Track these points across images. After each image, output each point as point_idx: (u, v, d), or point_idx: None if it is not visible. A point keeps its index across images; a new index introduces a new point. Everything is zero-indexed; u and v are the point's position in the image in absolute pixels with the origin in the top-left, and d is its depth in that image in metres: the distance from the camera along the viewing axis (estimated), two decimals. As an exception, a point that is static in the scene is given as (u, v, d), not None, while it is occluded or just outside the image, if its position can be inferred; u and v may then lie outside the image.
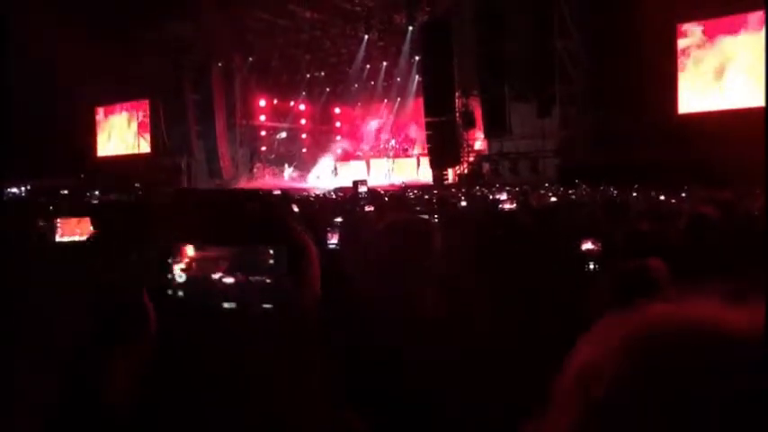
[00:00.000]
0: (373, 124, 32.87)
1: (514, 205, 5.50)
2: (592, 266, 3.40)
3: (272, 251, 1.19)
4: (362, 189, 11.42)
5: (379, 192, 13.53)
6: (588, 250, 3.48)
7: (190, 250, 1.23)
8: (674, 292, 0.62)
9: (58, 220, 3.53)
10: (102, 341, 1.27)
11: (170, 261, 1.23)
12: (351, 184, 15.87)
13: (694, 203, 7.26)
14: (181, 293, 1.23)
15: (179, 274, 1.23)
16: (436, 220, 3.97)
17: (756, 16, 19.68)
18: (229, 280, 1.20)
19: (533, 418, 0.63)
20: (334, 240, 3.67)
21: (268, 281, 1.19)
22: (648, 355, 0.56)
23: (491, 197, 10.69)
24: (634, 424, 0.54)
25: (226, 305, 1.21)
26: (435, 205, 7.46)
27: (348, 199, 10.73)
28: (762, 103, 19.41)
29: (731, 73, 20.46)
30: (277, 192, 13.87)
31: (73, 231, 3.48)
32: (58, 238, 3.51)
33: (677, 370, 0.54)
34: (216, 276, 1.21)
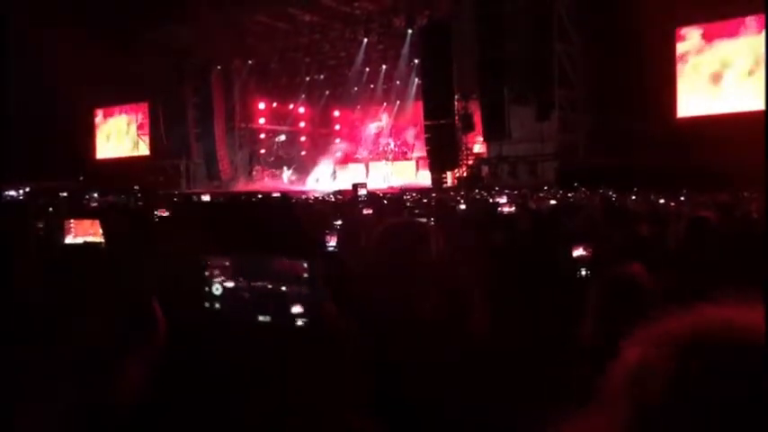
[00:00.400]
0: (372, 127, 32.86)
1: (513, 209, 5.49)
2: (584, 272, 3.40)
3: (305, 264, 1.21)
4: (362, 192, 11.43)
5: (378, 195, 13.53)
6: (580, 256, 3.47)
7: (226, 263, 1.24)
8: (660, 295, 0.64)
9: (72, 222, 3.51)
10: (114, 344, 1.27)
11: (207, 274, 1.24)
12: (350, 187, 15.87)
13: (694, 207, 7.27)
14: (218, 306, 1.24)
15: (216, 287, 1.24)
16: (433, 223, 3.96)
17: (754, 20, 19.73)
18: (264, 293, 1.21)
19: (569, 419, 0.64)
20: (332, 243, 3.66)
21: (302, 294, 1.20)
22: (701, 356, 0.58)
23: (491, 200, 10.70)
24: (689, 423, 0.56)
25: (261, 318, 1.23)
26: (434, 208, 7.45)
27: (347, 202, 10.74)
28: (760, 107, 19.44)
29: (729, 76, 20.51)
30: (276, 194, 13.87)
31: (86, 232, 3.46)
32: (68, 240, 3.50)
33: (728, 371, 0.56)
34: (251, 289, 1.22)
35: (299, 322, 1.20)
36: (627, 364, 0.62)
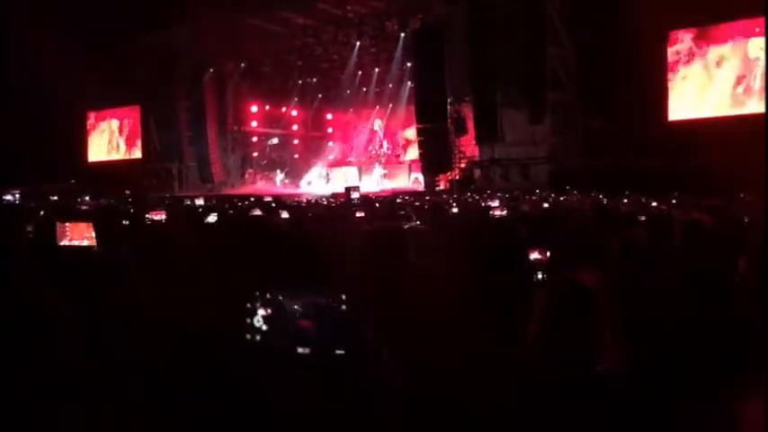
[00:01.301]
0: (365, 130, 32.89)
1: (505, 212, 5.50)
2: (540, 276, 3.40)
3: (344, 296, 1.22)
4: (355, 195, 11.43)
5: (372, 198, 13.54)
6: (536, 260, 3.48)
7: (267, 296, 1.24)
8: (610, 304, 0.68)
9: (67, 225, 3.49)
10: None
11: (249, 306, 1.24)
12: (343, 190, 15.87)
13: (686, 210, 7.29)
14: (258, 338, 1.24)
15: (257, 319, 1.24)
16: (419, 224, 3.96)
17: (745, 24, 19.84)
18: (304, 325, 1.22)
19: None
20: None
21: (340, 325, 1.20)
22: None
23: (483, 204, 10.71)
24: None
25: (300, 350, 1.23)
26: (426, 212, 7.45)
27: (341, 205, 10.75)
28: (751, 110, 19.58)
29: (721, 80, 20.61)
30: (268, 198, 13.83)
31: (81, 236, 3.45)
32: (64, 242, 3.48)
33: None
34: (290, 321, 1.23)
35: (338, 353, 1.21)
36: None
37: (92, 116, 33.34)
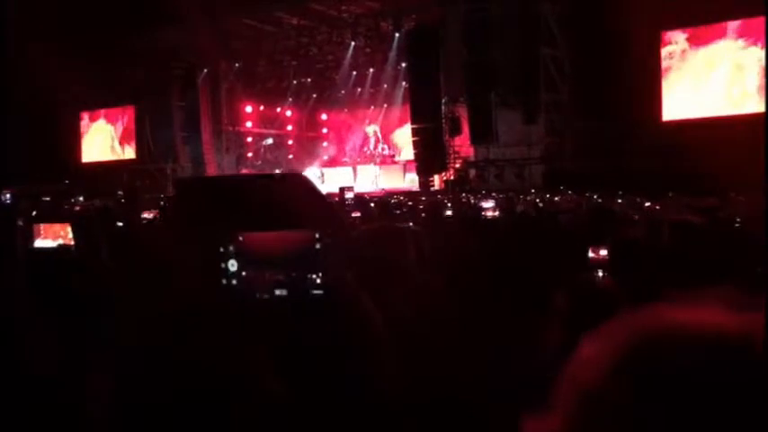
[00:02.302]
0: (360, 131, 32.89)
1: (497, 213, 5.50)
2: (600, 274, 3.38)
3: (317, 235, 1.19)
4: (349, 195, 11.40)
5: (366, 198, 13.50)
6: (595, 259, 3.43)
7: (240, 239, 1.22)
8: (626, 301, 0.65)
9: (42, 225, 3.47)
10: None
11: (222, 251, 1.22)
12: (338, 191, 15.82)
13: (678, 210, 7.31)
14: (234, 282, 1.22)
15: (232, 263, 1.22)
16: (412, 226, 3.94)
17: (737, 24, 19.90)
18: (279, 267, 1.20)
19: (535, 412, 0.66)
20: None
21: (316, 265, 1.18)
22: (643, 351, 0.58)
23: (478, 204, 10.70)
24: (625, 416, 0.55)
25: (277, 292, 1.20)
26: (419, 212, 7.44)
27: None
28: (744, 111, 19.64)
29: (714, 80, 20.66)
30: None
31: (56, 236, 3.42)
32: (38, 244, 3.45)
33: (669, 370, 0.56)
34: (266, 264, 1.20)
35: (315, 293, 1.18)
36: (577, 357, 0.63)
37: (85, 116, 33.20)
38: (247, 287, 1.22)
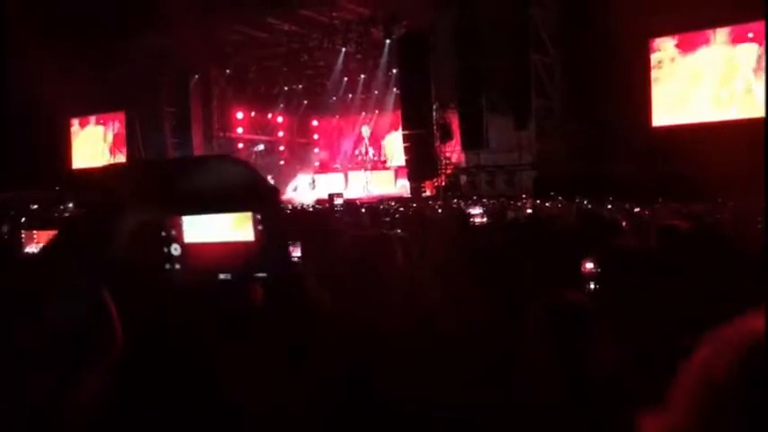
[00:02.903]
0: (351, 137, 32.91)
1: (485, 219, 5.50)
2: (592, 287, 3.39)
3: (258, 216, 1.18)
4: (338, 201, 11.37)
5: (356, 204, 13.49)
6: (588, 271, 3.44)
7: (181, 222, 1.21)
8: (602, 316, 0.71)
9: (35, 232, 3.46)
10: (60, 361, 1.21)
11: (164, 234, 1.21)
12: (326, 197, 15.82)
13: (665, 215, 7.33)
14: (178, 266, 1.21)
15: (175, 247, 1.21)
16: (399, 233, 3.94)
17: (726, 31, 20.04)
18: (223, 251, 1.18)
19: (653, 411, 0.74)
20: (296, 253, 3.60)
21: (259, 248, 1.17)
22: (752, 354, 0.67)
23: (466, 211, 10.72)
24: (751, 405, 0.65)
25: (221, 276, 1.20)
26: (408, 219, 7.43)
27: (323, 212, 10.69)
28: (733, 116, 19.78)
29: (703, 86, 20.78)
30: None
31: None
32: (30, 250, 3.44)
33: None
34: (209, 248, 1.19)
35: (258, 275, 1.17)
36: (699, 357, 0.71)
37: (75, 122, 33.08)
38: (190, 271, 1.21)
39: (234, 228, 1.19)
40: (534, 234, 5.30)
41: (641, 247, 3.84)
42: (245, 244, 1.17)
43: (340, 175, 31.63)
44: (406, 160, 25.30)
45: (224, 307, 1.19)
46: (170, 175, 1.12)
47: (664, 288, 2.99)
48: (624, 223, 5.71)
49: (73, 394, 1.18)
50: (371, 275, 2.07)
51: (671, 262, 3.72)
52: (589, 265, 3.33)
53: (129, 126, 30.88)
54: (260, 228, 1.17)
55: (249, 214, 1.18)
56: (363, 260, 2.10)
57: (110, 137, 32.05)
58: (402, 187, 27.58)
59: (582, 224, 6.20)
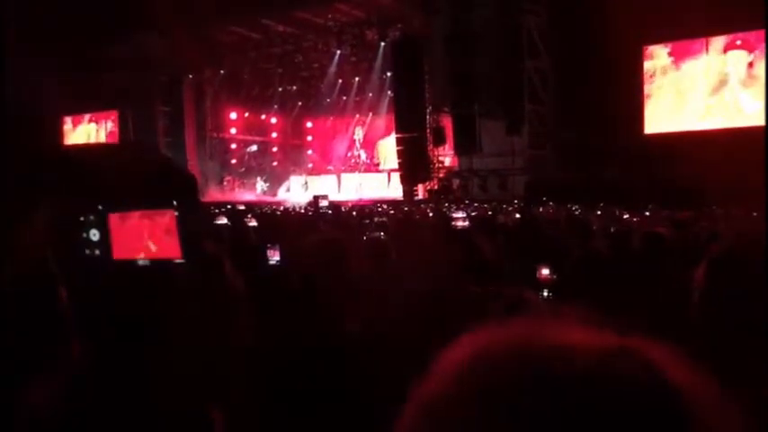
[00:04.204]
0: (344, 139, 32.91)
1: (467, 223, 5.51)
2: (546, 294, 3.38)
3: (176, 202, 1.18)
4: (323, 204, 11.33)
5: (341, 207, 13.44)
6: (544, 277, 3.43)
7: (99, 207, 1.21)
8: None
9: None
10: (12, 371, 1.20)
11: (83, 219, 1.21)
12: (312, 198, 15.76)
13: (651, 222, 7.33)
14: (98, 252, 1.21)
15: (93, 232, 1.21)
16: (380, 235, 3.93)
17: (719, 39, 20.13)
18: (142, 236, 1.19)
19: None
20: (275, 258, 3.59)
21: (180, 236, 1.18)
22: (474, 374, 0.53)
23: (450, 215, 10.69)
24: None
25: (140, 262, 1.20)
26: (393, 224, 7.41)
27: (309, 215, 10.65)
28: (726, 125, 19.87)
29: (696, 94, 20.87)
30: (242, 207, 13.68)
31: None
32: None
33: (504, 385, 0.51)
34: (128, 234, 1.19)
35: (176, 261, 1.18)
36: (416, 395, 0.57)
37: (68, 121, 32.98)
38: (109, 256, 1.21)
39: (152, 215, 1.19)
40: (518, 238, 5.31)
41: (607, 251, 3.85)
42: (164, 230, 1.18)
43: (333, 177, 31.62)
44: (399, 163, 25.31)
45: (143, 292, 1.18)
46: (89, 167, 1.11)
47: (621, 293, 2.99)
48: (613, 229, 5.71)
49: (29, 395, 1.16)
50: (327, 278, 2.07)
51: (649, 266, 3.72)
52: (545, 272, 3.32)
53: (122, 125, 30.81)
54: (177, 215, 1.18)
55: (169, 202, 1.18)
56: (318, 264, 2.11)
57: (102, 136, 31.95)
58: (395, 190, 27.59)
59: (566, 229, 6.21)
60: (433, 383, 0.56)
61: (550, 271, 3.49)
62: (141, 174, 1.18)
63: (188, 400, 1.16)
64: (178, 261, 1.19)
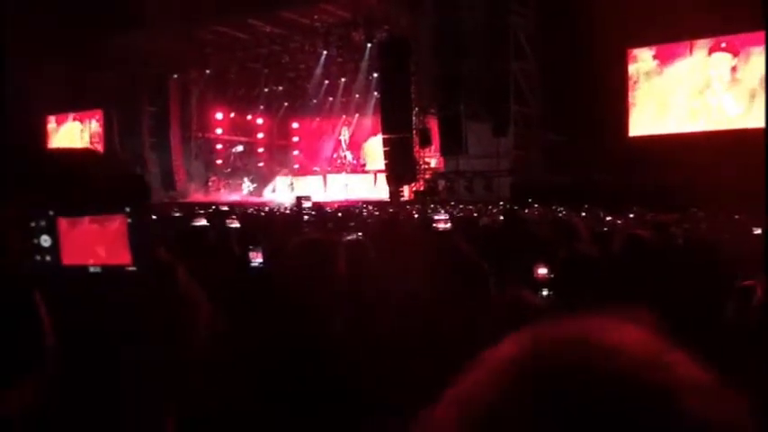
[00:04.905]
0: (331, 139, 32.87)
1: (449, 225, 5.51)
2: (545, 293, 3.37)
3: (128, 209, 1.17)
4: (306, 205, 11.26)
5: (325, 208, 13.39)
6: (541, 276, 3.42)
7: (51, 213, 1.19)
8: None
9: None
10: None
11: (33, 225, 1.18)
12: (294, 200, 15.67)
13: (631, 224, 7.36)
14: (48, 258, 1.19)
15: (44, 238, 1.18)
16: (359, 237, 3.91)
17: (704, 42, 20.28)
18: (94, 244, 1.17)
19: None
20: (258, 260, 3.56)
21: (131, 245, 1.16)
22: (528, 375, 0.51)
23: (431, 217, 10.67)
24: None
25: (91, 269, 1.18)
26: (374, 225, 7.39)
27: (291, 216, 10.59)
28: (710, 128, 20.03)
29: (680, 97, 21.00)
30: (225, 208, 13.60)
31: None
32: None
33: (562, 388, 0.49)
34: (80, 240, 1.18)
35: (128, 269, 1.16)
36: (455, 391, 0.55)
37: (52, 120, 32.71)
38: (61, 263, 1.19)
39: (102, 220, 1.18)
40: (500, 240, 5.30)
41: (596, 253, 3.84)
42: (114, 236, 1.16)
43: (319, 178, 31.57)
44: (386, 164, 25.31)
45: (94, 299, 1.16)
46: (39, 171, 1.10)
47: (613, 293, 2.99)
48: (580, 229, 5.70)
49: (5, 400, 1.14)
50: (309, 280, 2.05)
51: (629, 269, 3.73)
52: (542, 271, 3.31)
53: (107, 124, 30.61)
54: (129, 221, 1.16)
55: (121, 209, 1.16)
56: (302, 265, 2.09)
57: (86, 135, 31.72)
58: (381, 191, 27.57)
59: (551, 231, 6.22)
60: (475, 383, 0.54)
61: (548, 270, 3.48)
62: (91, 179, 1.16)
63: (140, 406, 1.14)
64: (129, 268, 1.17)
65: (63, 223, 1.19)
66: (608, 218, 11.38)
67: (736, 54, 19.72)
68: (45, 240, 1.18)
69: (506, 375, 0.53)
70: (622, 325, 0.55)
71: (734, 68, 19.76)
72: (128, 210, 1.16)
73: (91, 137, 31.58)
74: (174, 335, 1.23)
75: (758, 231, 7.04)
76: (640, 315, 0.58)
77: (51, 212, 1.18)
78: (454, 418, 0.53)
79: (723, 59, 19.96)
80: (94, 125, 31.52)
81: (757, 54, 19.08)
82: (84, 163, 1.13)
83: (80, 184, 1.17)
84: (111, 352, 1.12)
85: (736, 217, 10.81)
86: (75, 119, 32.30)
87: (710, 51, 20.24)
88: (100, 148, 30.85)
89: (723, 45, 19.90)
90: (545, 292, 3.29)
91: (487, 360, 0.55)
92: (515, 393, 0.51)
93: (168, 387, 1.19)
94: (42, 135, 32.31)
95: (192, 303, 1.32)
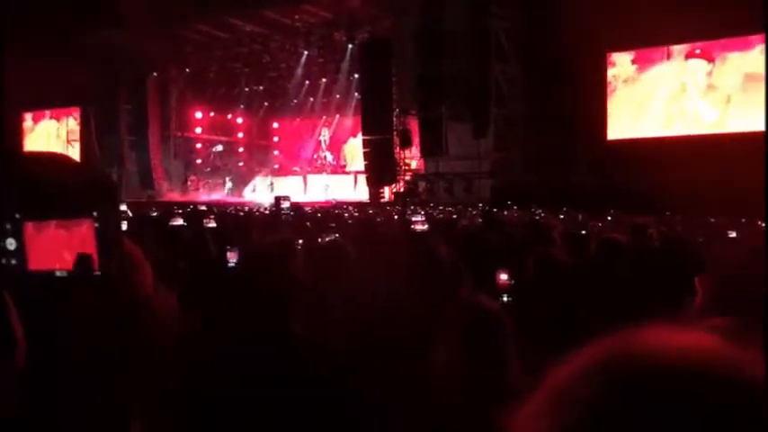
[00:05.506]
0: (311, 140, 32.79)
1: (426, 227, 5.51)
2: (505, 299, 3.38)
3: (96, 213, 1.16)
4: (285, 205, 11.21)
5: (304, 209, 13.35)
6: (503, 282, 3.43)
7: (17, 217, 1.18)
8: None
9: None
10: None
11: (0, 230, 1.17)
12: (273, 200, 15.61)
13: (610, 227, 7.43)
14: (14, 261, 1.17)
15: (10, 241, 1.17)
16: (337, 238, 3.90)
17: (682, 47, 20.51)
18: (60, 248, 1.16)
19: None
20: (233, 260, 3.54)
21: (98, 249, 1.16)
22: (631, 381, 0.53)
23: (409, 218, 10.69)
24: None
25: (58, 274, 1.18)
26: (352, 227, 7.39)
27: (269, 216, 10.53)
28: (687, 131, 20.27)
29: (658, 101, 21.22)
30: (203, 208, 13.52)
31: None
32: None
33: (656, 399, 0.51)
34: (47, 245, 1.17)
35: (94, 274, 1.15)
36: (549, 385, 0.57)
37: (28, 117, 32.27)
38: (26, 267, 1.19)
39: (69, 225, 1.17)
40: (477, 242, 5.31)
41: (567, 257, 3.87)
42: (81, 240, 1.16)
43: (299, 178, 31.49)
44: (366, 165, 25.29)
45: (60, 303, 1.15)
46: (9, 176, 1.08)
47: (584, 296, 3.01)
48: (554, 232, 5.75)
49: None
50: (278, 279, 2.05)
51: (605, 272, 3.76)
52: (503, 277, 3.32)
53: (85, 122, 30.25)
54: (97, 225, 1.15)
55: (87, 213, 1.15)
56: (272, 266, 2.09)
57: (63, 133, 31.34)
58: (361, 192, 27.55)
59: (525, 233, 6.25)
60: (569, 377, 0.56)
61: (509, 276, 3.49)
62: (59, 183, 1.15)
63: (106, 407, 1.13)
64: (96, 273, 1.16)
65: (29, 227, 1.17)
66: (587, 220, 11.45)
67: (710, 60, 19.98)
68: (10, 244, 1.17)
69: (592, 373, 0.55)
70: (693, 331, 0.57)
71: (709, 73, 20.01)
72: (95, 214, 1.15)
73: (68, 134, 31.21)
74: (139, 337, 1.22)
75: (733, 234, 7.15)
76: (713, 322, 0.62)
77: (18, 216, 1.17)
78: (547, 414, 0.55)
79: (699, 65, 20.21)
80: (72, 123, 31.14)
81: (732, 60, 19.36)
82: (52, 167, 1.12)
83: (47, 188, 1.16)
84: (77, 354, 1.11)
85: (712, 220, 10.96)
86: (51, 117, 31.89)
87: (687, 57, 20.47)
88: (77, 145, 30.54)
89: (698, 51, 20.15)
90: (505, 298, 3.30)
91: (582, 356, 0.58)
92: (615, 393, 0.53)
93: (134, 388, 1.18)
94: (18, 134, 31.88)
95: (158, 305, 1.31)
